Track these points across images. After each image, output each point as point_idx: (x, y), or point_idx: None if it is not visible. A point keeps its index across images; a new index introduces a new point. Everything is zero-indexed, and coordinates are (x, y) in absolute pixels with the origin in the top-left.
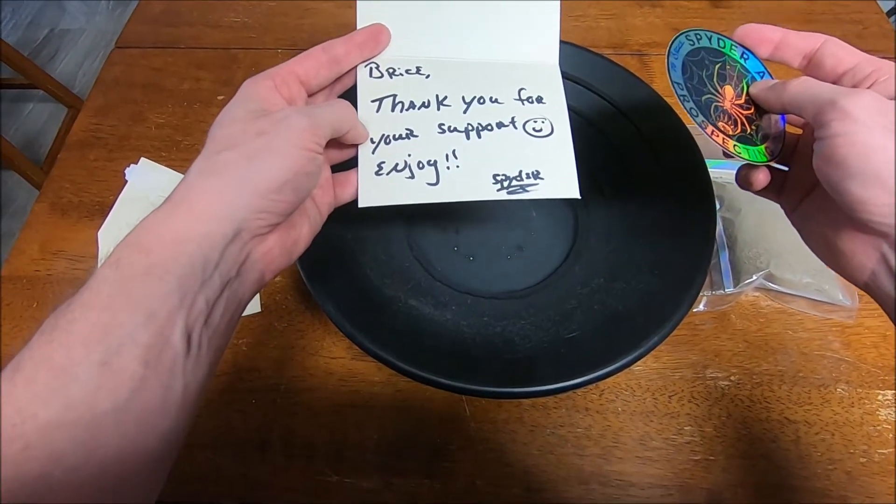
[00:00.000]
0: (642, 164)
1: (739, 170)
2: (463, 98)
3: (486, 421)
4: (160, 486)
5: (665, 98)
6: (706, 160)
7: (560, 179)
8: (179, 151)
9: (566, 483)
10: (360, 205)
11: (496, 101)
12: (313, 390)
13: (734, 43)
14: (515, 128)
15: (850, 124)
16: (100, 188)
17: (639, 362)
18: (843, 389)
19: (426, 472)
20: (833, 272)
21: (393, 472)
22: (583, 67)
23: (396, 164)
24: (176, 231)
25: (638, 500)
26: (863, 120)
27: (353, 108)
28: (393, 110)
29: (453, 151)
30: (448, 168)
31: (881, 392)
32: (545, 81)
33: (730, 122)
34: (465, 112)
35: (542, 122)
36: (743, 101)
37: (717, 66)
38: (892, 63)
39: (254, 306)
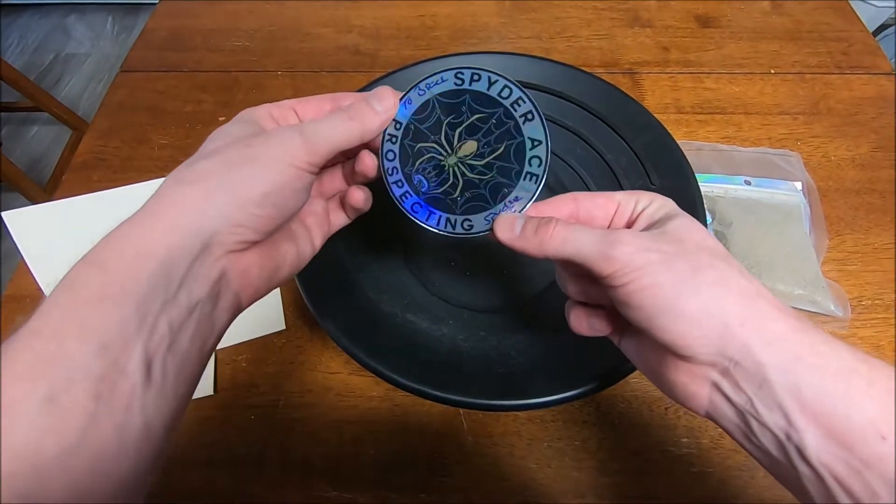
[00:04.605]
0: (634, 179)
1: (568, 317)
2: None
3: (483, 435)
4: None
5: (654, 115)
6: (696, 174)
7: None
8: None
9: (563, 496)
10: None
11: None
12: (311, 406)
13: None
14: None
15: (630, 272)
16: None
17: (635, 375)
18: None
19: (423, 486)
20: (825, 282)
21: (390, 487)
22: (575, 86)
23: None
24: (138, 245)
25: None
26: (636, 263)
27: (364, 107)
28: None
29: None
30: None
31: None
32: None
33: (444, 180)
34: None
35: None
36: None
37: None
38: (643, 192)
39: (279, 324)
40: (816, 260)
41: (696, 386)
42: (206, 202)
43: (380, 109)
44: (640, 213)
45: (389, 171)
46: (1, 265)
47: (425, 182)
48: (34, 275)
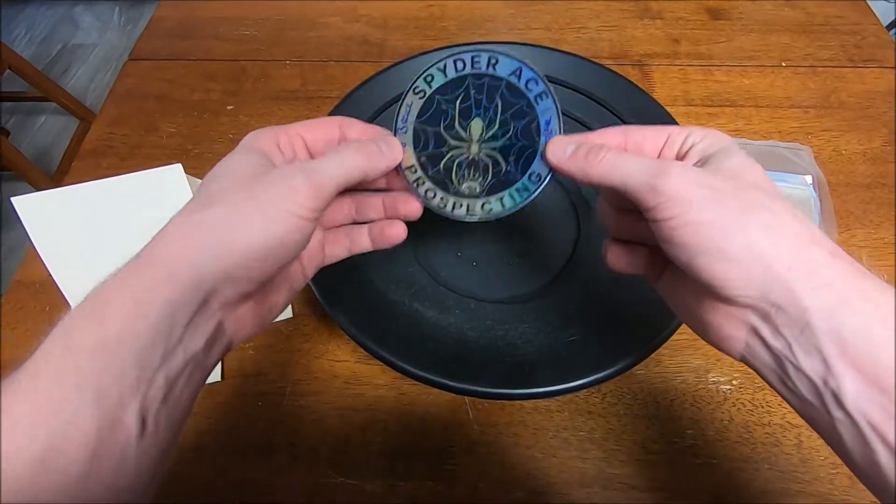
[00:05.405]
0: None
1: (605, 253)
2: None
3: (489, 424)
4: None
5: (664, 107)
6: None
7: None
8: (190, 159)
9: (568, 486)
10: None
11: None
12: (318, 394)
13: (501, 55)
14: None
15: (676, 206)
16: None
17: (640, 366)
18: None
19: (429, 474)
20: None
21: (396, 474)
22: (585, 77)
23: None
24: (138, 295)
25: (640, 503)
26: (685, 198)
27: (373, 147)
28: None
29: None
30: None
31: None
32: None
33: (478, 174)
34: None
35: None
36: (498, 125)
37: (460, 100)
38: (696, 126)
39: (286, 313)
40: None
41: (733, 328)
42: (206, 255)
43: (387, 153)
44: (691, 147)
45: (440, 206)
46: (1, 256)
47: (476, 185)
48: (43, 260)
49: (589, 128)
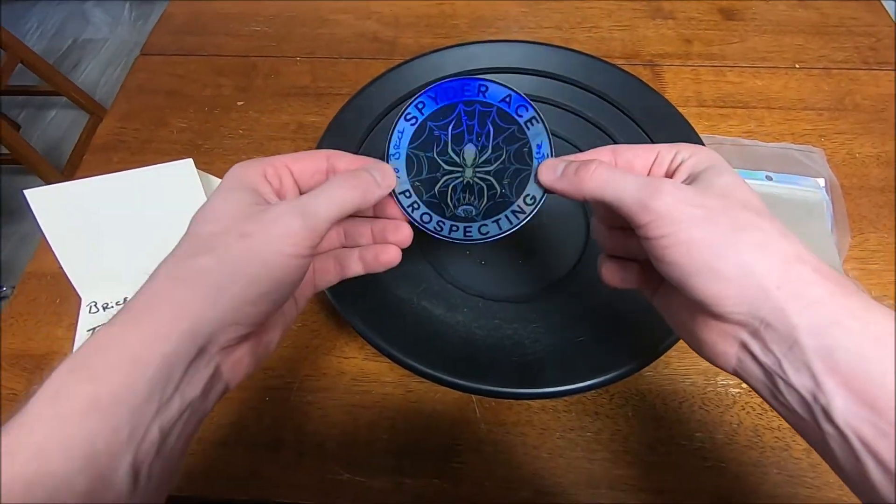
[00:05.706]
0: None
1: (600, 269)
2: None
3: (496, 423)
4: None
5: (676, 107)
6: None
7: None
8: (200, 155)
9: (575, 486)
10: None
11: None
12: (326, 390)
13: (490, 83)
14: None
15: (668, 225)
16: None
17: (649, 368)
18: None
19: (436, 472)
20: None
21: (403, 472)
22: (596, 77)
23: None
24: (132, 352)
25: None
26: (676, 217)
27: (366, 177)
28: None
29: None
30: None
31: None
32: None
33: (473, 197)
34: None
35: None
36: (491, 150)
37: (452, 126)
38: (685, 144)
39: None
40: (838, 257)
41: (725, 344)
42: (203, 306)
43: (382, 182)
44: (680, 165)
45: (436, 230)
46: (2, 249)
47: (472, 208)
48: (55, 252)
49: (598, 127)
